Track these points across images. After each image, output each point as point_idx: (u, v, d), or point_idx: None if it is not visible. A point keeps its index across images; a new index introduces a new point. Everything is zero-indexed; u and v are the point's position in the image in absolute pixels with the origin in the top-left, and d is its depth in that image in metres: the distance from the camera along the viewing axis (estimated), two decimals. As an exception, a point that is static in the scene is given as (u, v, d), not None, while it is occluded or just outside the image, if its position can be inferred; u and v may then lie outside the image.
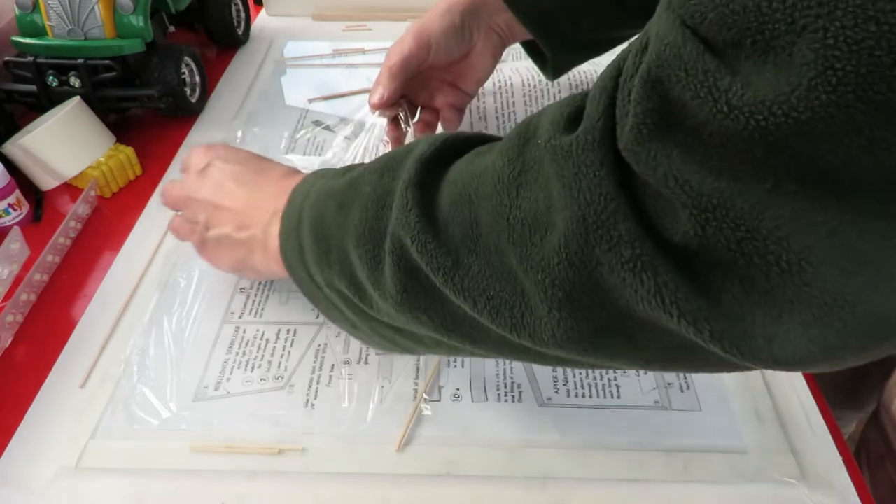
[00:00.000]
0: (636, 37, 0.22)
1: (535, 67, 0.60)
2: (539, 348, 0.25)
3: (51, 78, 0.59)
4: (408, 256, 0.28)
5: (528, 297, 0.24)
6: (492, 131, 0.62)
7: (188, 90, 0.65)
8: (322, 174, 0.37)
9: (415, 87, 0.54)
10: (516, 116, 0.63)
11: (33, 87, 0.59)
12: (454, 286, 0.26)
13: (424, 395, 0.41)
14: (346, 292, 0.32)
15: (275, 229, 0.37)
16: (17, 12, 0.60)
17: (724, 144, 0.18)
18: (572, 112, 0.24)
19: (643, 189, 0.21)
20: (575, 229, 0.22)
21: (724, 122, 0.18)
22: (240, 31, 0.79)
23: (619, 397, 0.41)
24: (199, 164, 0.43)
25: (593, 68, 0.66)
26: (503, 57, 0.56)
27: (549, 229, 0.23)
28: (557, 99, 0.31)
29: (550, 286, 0.23)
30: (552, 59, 0.53)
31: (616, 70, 0.22)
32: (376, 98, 0.51)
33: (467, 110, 0.59)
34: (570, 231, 0.22)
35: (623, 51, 0.22)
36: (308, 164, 0.60)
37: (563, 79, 0.64)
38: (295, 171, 0.42)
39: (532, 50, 0.57)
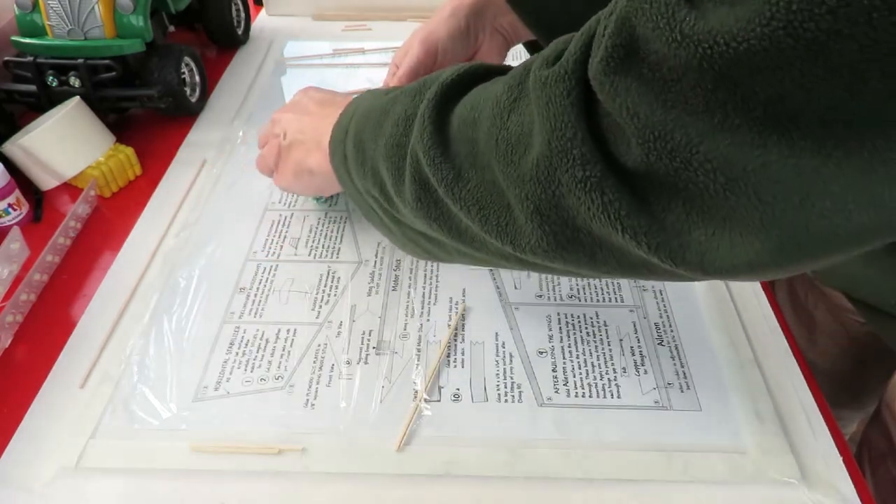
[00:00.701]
0: None
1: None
2: (519, 255, 0.29)
3: (51, 78, 0.59)
4: (420, 169, 0.31)
5: (512, 208, 0.28)
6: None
7: (188, 90, 0.65)
8: (373, 93, 0.40)
9: None
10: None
11: (33, 87, 0.59)
12: (453, 196, 0.30)
13: (424, 395, 0.41)
14: (379, 198, 0.36)
15: (329, 134, 0.41)
16: (17, 12, 0.60)
17: (680, 79, 0.20)
18: (562, 48, 0.26)
19: (605, 118, 0.23)
20: (543, 151, 0.25)
21: (678, 52, 0.19)
22: (240, 31, 0.79)
23: (619, 397, 0.41)
24: (295, 98, 0.49)
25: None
26: (503, 57, 0.56)
27: (528, 149, 0.26)
28: None
29: (525, 199, 0.26)
30: None
31: (602, 14, 0.24)
32: None
33: None
34: (540, 153, 0.25)
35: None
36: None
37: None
38: None
39: (535, 51, 0.57)
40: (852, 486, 0.37)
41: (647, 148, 0.21)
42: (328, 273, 0.49)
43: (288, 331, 0.45)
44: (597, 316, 0.46)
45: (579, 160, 0.24)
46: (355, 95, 0.43)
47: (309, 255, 0.51)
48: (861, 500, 0.36)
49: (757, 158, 0.19)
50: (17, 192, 0.54)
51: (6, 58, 0.60)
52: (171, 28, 0.70)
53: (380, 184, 0.35)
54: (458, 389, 0.41)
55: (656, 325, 0.45)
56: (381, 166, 0.34)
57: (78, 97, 0.58)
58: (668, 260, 0.23)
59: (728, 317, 0.45)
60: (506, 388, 0.41)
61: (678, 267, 0.24)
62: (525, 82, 0.27)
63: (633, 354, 0.43)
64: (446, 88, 0.32)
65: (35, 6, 0.59)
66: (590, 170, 0.23)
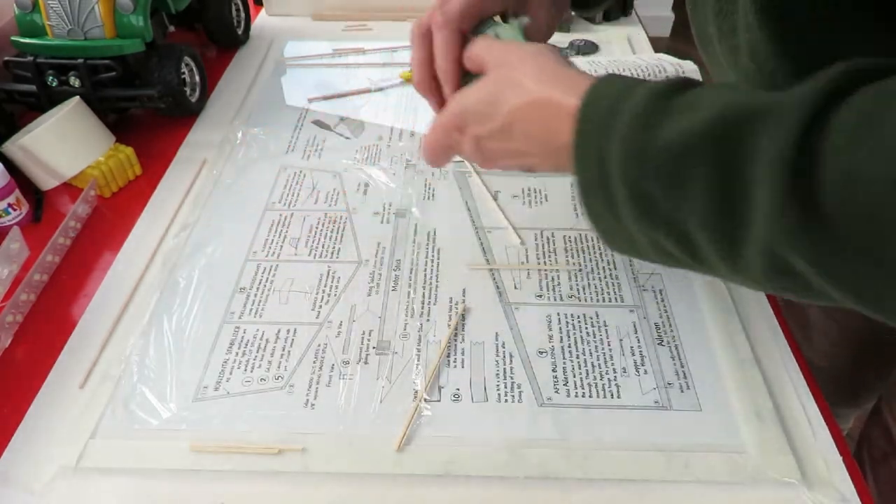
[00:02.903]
0: None
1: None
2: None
3: (51, 78, 0.59)
4: (786, 261, 0.25)
5: None
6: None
7: (188, 90, 0.65)
8: (626, 108, 0.29)
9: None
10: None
11: (33, 87, 0.59)
12: (837, 285, 0.25)
13: (424, 395, 0.41)
14: (672, 251, 0.30)
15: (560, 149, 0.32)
16: (16, 12, 0.60)
17: None
18: None
19: None
20: None
21: None
22: (240, 31, 0.79)
23: (619, 397, 0.41)
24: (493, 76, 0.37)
25: (595, 70, 0.66)
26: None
27: None
28: None
29: None
30: None
31: None
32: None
33: None
34: None
35: None
36: (308, 164, 0.60)
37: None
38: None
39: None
40: (852, 486, 0.37)
41: None
42: (328, 273, 0.49)
43: (288, 331, 0.45)
44: (597, 316, 0.46)
45: None
46: (585, 83, 0.31)
47: (309, 255, 0.51)
48: (861, 500, 0.36)
49: None
50: (17, 192, 0.54)
51: (6, 58, 0.60)
52: (171, 28, 0.70)
53: (684, 240, 0.29)
54: (458, 389, 0.41)
55: (656, 325, 0.45)
56: (695, 233, 0.28)
57: (78, 97, 0.58)
58: None
59: (728, 316, 0.45)
60: (506, 388, 0.41)
61: None
62: None
63: (633, 354, 0.43)
64: (797, 157, 0.23)
65: (35, 6, 0.59)
66: None
